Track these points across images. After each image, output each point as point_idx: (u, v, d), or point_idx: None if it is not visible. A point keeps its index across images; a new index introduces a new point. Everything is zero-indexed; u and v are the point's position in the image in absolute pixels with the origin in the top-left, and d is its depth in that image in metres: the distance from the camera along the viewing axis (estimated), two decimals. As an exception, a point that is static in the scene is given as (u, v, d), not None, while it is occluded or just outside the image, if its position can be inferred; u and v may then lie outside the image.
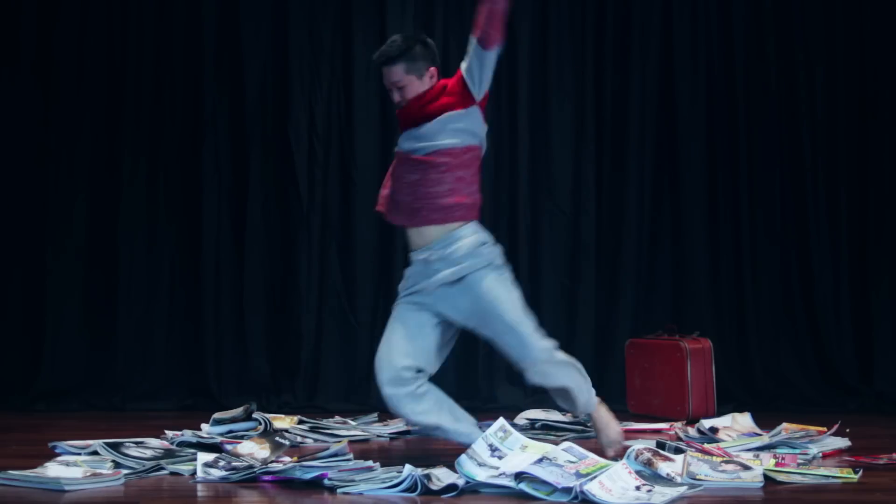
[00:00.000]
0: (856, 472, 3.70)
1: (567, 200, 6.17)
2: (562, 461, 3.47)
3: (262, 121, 6.06)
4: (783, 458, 3.87)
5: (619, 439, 4.10)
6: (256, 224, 6.01)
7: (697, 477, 3.54)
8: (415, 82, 4.06)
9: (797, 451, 4.15)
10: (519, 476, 3.39)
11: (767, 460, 3.84)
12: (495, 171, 6.13)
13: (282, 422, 4.79)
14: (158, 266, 5.96)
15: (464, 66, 4.03)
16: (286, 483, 3.58)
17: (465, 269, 3.95)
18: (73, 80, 5.96)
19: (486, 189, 6.04)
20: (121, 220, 5.93)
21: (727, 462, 3.70)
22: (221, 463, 3.72)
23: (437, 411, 3.97)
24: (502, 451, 3.61)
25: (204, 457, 3.78)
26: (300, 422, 4.88)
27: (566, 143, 6.20)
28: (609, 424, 4.14)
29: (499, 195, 6.13)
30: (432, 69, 4.10)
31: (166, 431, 4.40)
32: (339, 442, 3.99)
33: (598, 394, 6.04)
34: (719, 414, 5.14)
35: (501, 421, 3.74)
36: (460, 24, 6.16)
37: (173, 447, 4.09)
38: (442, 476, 3.49)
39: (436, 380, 4.17)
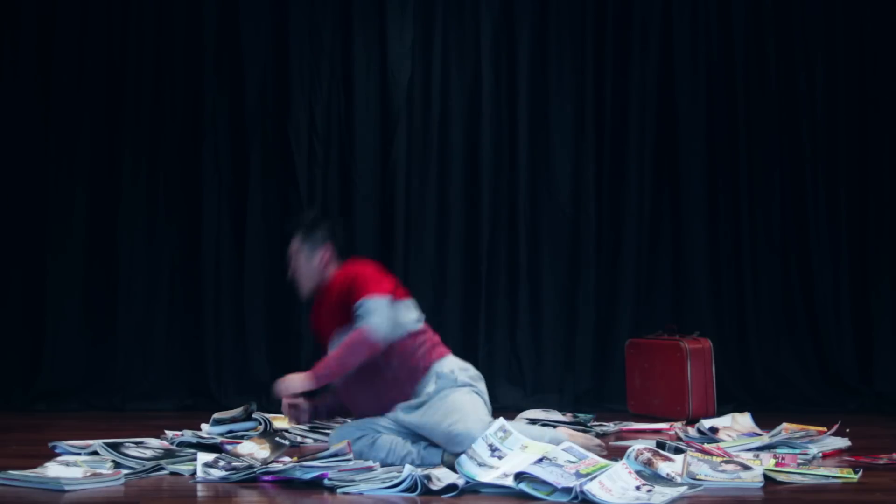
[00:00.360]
0: (856, 472, 3.70)
1: (567, 201, 6.17)
2: (562, 461, 3.47)
3: (262, 121, 6.06)
4: (783, 458, 3.87)
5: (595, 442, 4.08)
6: (256, 224, 6.01)
7: (697, 477, 3.54)
8: (303, 256, 4.07)
9: (797, 451, 4.15)
10: (519, 476, 3.39)
11: (767, 460, 3.83)
12: (496, 172, 6.13)
13: (281, 422, 4.78)
14: (158, 266, 5.96)
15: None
16: (286, 483, 3.58)
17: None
18: (74, 79, 5.95)
19: (486, 189, 6.09)
20: (121, 220, 5.93)
21: (727, 462, 3.70)
22: (221, 463, 3.72)
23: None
24: (502, 451, 3.60)
25: (204, 457, 3.78)
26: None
27: (566, 143, 6.20)
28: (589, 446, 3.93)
29: (499, 196, 6.13)
30: (323, 251, 4.06)
31: (166, 431, 4.40)
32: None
33: (598, 394, 6.08)
34: (719, 414, 5.14)
35: (501, 421, 3.74)
36: (459, 26, 6.18)
37: (173, 447, 4.09)
38: (442, 476, 3.49)
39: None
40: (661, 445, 3.93)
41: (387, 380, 3.90)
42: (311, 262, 4.07)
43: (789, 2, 6.25)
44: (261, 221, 6.02)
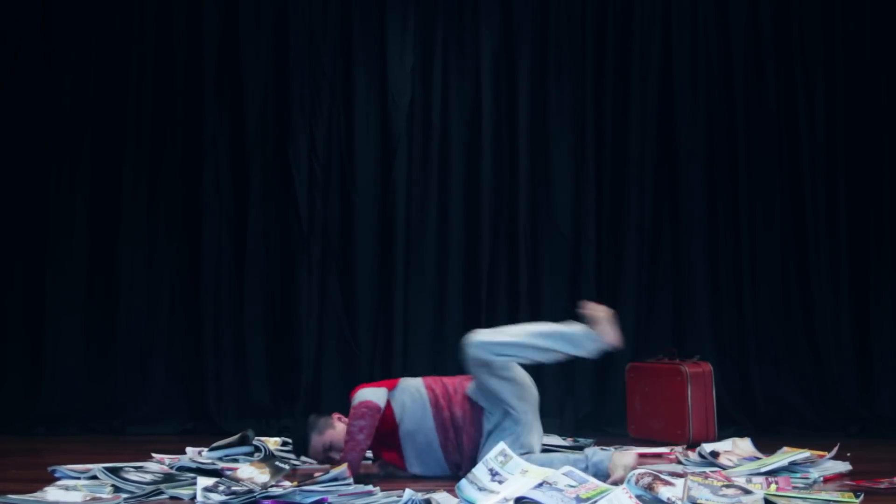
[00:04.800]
0: (857, 497, 3.69)
1: (567, 224, 6.18)
2: (562, 486, 3.46)
3: (263, 143, 6.08)
4: (777, 482, 3.87)
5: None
6: (257, 247, 6.01)
7: (698, 501, 3.53)
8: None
9: (798, 475, 4.14)
10: (519, 501, 3.38)
11: (765, 486, 3.82)
12: (496, 195, 6.14)
13: (276, 445, 4.78)
14: (158, 289, 5.96)
15: None
16: (286, 508, 3.57)
17: None
18: (75, 102, 5.97)
19: (486, 212, 6.10)
20: (121, 244, 5.94)
21: (728, 486, 3.69)
22: (221, 487, 3.71)
23: None
24: (502, 475, 3.60)
25: (203, 481, 3.77)
26: (284, 443, 4.86)
27: (566, 166, 6.21)
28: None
29: (499, 218, 6.14)
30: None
31: (164, 457, 4.39)
32: (339, 466, 3.98)
33: (598, 418, 6.07)
34: (720, 438, 5.13)
35: (502, 445, 3.73)
36: (460, 50, 6.20)
37: (173, 472, 4.08)
38: (442, 501, 3.48)
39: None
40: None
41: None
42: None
43: (788, 23, 6.27)
44: (261, 244, 6.03)
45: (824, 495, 3.75)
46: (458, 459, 4.14)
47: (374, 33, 6.15)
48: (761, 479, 3.97)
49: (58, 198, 5.94)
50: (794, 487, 3.86)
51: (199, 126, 6.04)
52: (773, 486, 3.80)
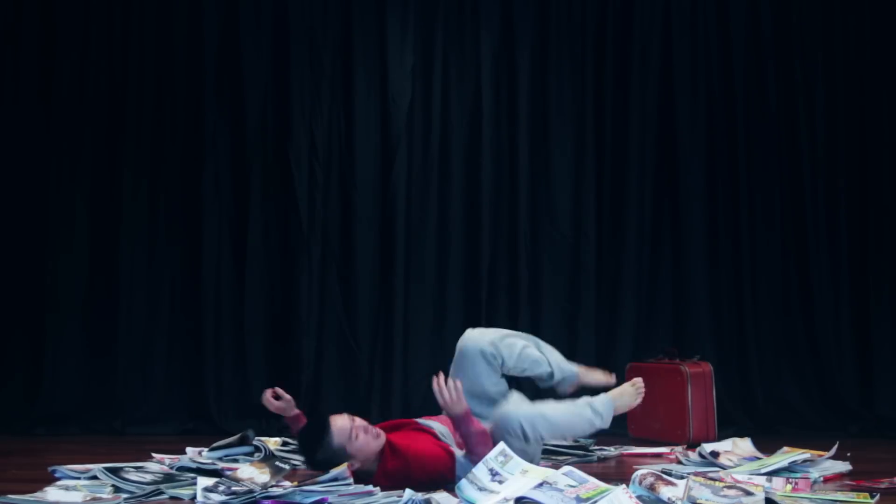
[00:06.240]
0: (872, 497, 3.67)
1: (567, 224, 6.18)
2: (562, 485, 3.46)
3: (263, 143, 6.08)
4: (797, 484, 3.87)
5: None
6: (257, 248, 6.01)
7: (698, 501, 3.53)
8: None
9: (798, 475, 4.14)
10: (519, 501, 3.38)
11: (782, 485, 3.82)
12: (496, 195, 6.14)
13: (276, 445, 4.78)
14: (159, 289, 5.96)
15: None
16: (286, 508, 3.57)
17: None
18: (74, 103, 5.97)
19: (486, 212, 6.10)
20: (121, 244, 5.93)
21: (729, 487, 3.69)
22: (221, 487, 3.71)
23: None
24: (503, 475, 3.60)
25: (204, 481, 3.77)
26: (284, 444, 4.86)
27: (566, 166, 6.21)
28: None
29: (499, 219, 6.14)
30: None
31: (164, 457, 4.39)
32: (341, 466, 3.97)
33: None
34: (720, 438, 5.13)
35: (502, 445, 3.73)
36: (460, 50, 6.20)
37: (173, 472, 4.08)
38: (442, 501, 3.48)
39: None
40: (667, 472, 3.92)
41: None
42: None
43: (788, 24, 6.27)
44: (261, 244, 6.03)
45: (840, 496, 3.74)
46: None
47: (374, 33, 6.15)
48: (781, 479, 3.97)
49: (58, 198, 5.94)
50: (805, 489, 3.86)
51: (199, 126, 6.03)
52: (789, 487, 3.80)
